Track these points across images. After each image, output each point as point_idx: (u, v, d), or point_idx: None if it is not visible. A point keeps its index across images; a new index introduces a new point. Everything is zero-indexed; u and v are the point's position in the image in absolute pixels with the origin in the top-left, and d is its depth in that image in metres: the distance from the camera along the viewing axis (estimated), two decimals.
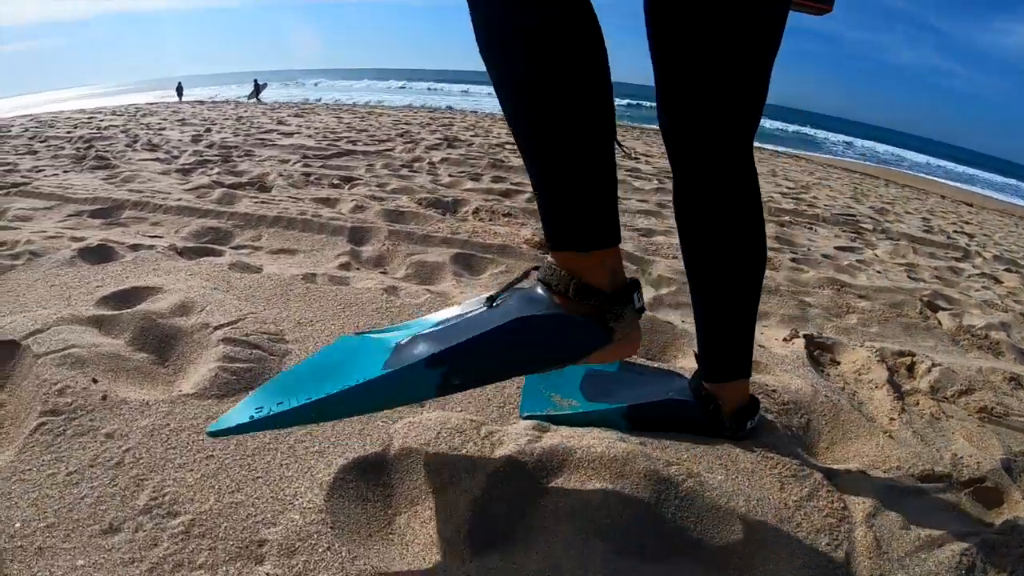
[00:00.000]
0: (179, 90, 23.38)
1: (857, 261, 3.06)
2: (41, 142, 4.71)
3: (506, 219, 2.86)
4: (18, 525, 0.78)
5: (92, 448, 0.92)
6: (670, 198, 3.94)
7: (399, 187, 3.42)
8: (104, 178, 3.21)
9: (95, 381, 1.06)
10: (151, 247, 1.89)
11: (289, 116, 8.69)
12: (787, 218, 4.06)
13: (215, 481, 0.88)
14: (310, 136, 5.82)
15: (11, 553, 0.74)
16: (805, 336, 1.66)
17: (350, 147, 5.07)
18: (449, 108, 16.96)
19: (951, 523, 0.95)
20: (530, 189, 3.66)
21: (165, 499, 0.84)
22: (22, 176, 3.13)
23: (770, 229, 3.43)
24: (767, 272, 2.15)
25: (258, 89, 24.84)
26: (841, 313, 2.12)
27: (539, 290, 0.85)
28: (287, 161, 4.18)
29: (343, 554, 0.79)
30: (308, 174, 3.64)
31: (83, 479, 0.86)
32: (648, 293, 2.07)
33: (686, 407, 1.10)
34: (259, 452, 0.94)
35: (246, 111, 9.71)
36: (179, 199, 2.68)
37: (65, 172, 3.36)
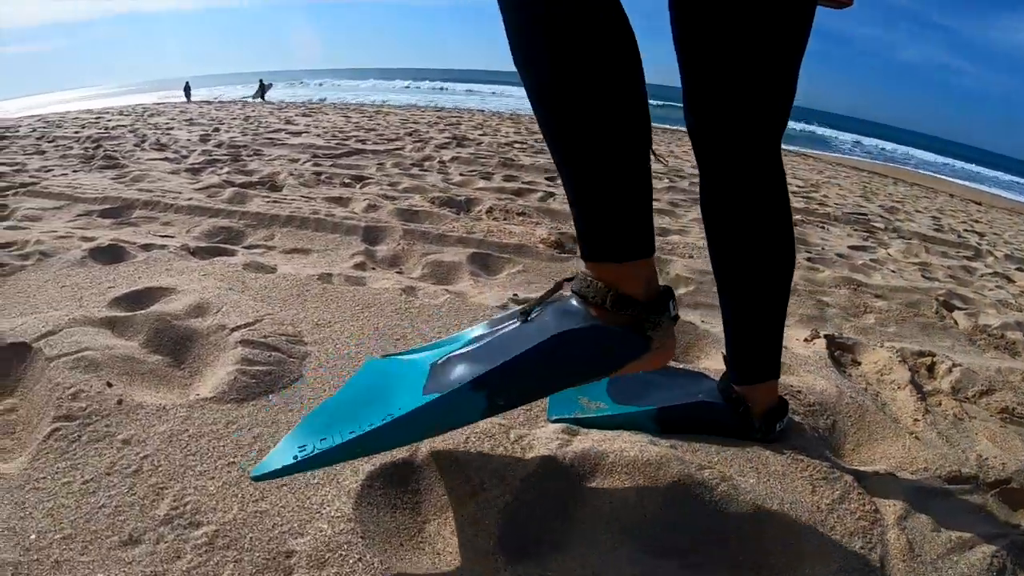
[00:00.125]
0: (187, 90, 23.36)
1: (871, 260, 3.05)
2: (49, 142, 4.70)
3: (520, 218, 2.82)
4: (33, 537, 0.74)
5: (108, 455, 0.88)
6: (682, 197, 3.95)
7: (411, 186, 3.39)
8: (113, 178, 3.18)
9: (110, 385, 1.03)
10: (163, 247, 1.86)
11: (297, 116, 8.68)
12: (799, 217, 4.04)
13: (238, 489, 0.84)
14: (319, 135, 5.80)
15: (27, 567, 0.70)
16: (826, 336, 1.65)
17: (359, 146, 5.05)
18: (456, 108, 16.99)
19: (979, 525, 0.94)
20: (542, 188, 3.63)
21: (186, 508, 0.80)
22: (30, 176, 3.11)
23: None
24: None
25: (263, 89, 24.83)
26: (859, 313, 2.10)
27: (574, 302, 0.84)
28: (297, 160, 4.16)
29: (375, 565, 0.75)
30: (319, 173, 3.62)
31: (100, 487, 0.82)
32: None
33: (716, 409, 1.08)
34: None
35: (253, 111, 9.71)
36: (190, 198, 2.65)
37: (74, 172, 3.34)
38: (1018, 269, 3.59)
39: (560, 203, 3.25)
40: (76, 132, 5.46)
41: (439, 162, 4.45)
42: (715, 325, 1.66)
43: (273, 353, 1.18)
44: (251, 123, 7.04)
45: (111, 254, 1.75)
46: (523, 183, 3.78)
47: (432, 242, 2.25)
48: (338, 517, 0.81)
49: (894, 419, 1.26)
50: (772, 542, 0.85)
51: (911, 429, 1.24)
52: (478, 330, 0.92)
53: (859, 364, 1.57)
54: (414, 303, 1.54)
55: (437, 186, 3.43)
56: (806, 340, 1.65)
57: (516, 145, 5.82)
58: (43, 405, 0.98)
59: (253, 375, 1.10)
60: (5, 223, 2.17)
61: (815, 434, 1.14)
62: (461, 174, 3.99)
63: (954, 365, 1.55)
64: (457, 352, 0.86)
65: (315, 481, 0.87)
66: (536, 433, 0.99)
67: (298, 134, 5.87)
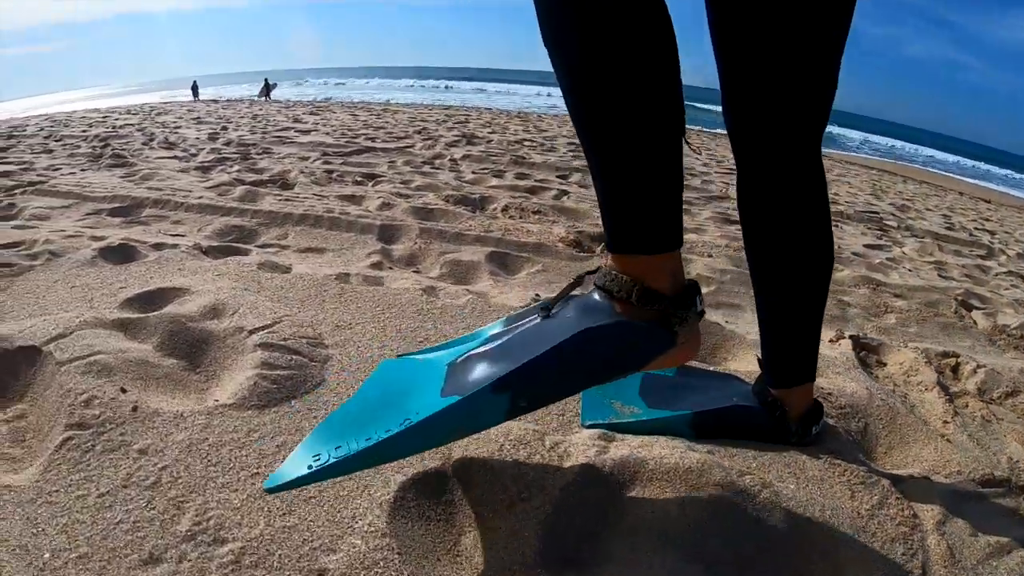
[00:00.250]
0: (194, 89, 23.33)
1: (887, 259, 3.01)
2: (57, 141, 4.66)
3: (537, 216, 2.77)
4: (47, 556, 0.69)
5: (124, 466, 0.83)
6: (695, 195, 3.90)
7: (423, 184, 3.34)
8: (122, 176, 3.14)
9: (123, 390, 0.98)
10: (175, 246, 1.81)
11: (304, 114, 8.65)
12: None
13: (264, 502, 0.79)
14: (328, 133, 5.76)
15: None
16: (851, 337, 1.62)
17: (369, 144, 5.01)
18: (463, 105, 16.96)
19: (1015, 528, 0.93)
20: (555, 186, 3.58)
21: (210, 524, 0.75)
22: (38, 175, 3.07)
23: None
24: None
25: (268, 88, 24.75)
26: (879, 313, 2.06)
27: (597, 297, 0.80)
28: (307, 158, 4.11)
29: None
30: (330, 171, 3.57)
31: (116, 501, 0.77)
32: None
33: (752, 414, 1.05)
34: None
35: (261, 109, 9.69)
36: (200, 197, 2.60)
37: (82, 170, 3.30)
38: None
39: (575, 201, 3.19)
40: (84, 131, 5.43)
41: (450, 160, 4.40)
42: (740, 326, 1.62)
43: (294, 356, 1.13)
44: (259, 121, 7.00)
45: (122, 254, 1.70)
46: (535, 181, 3.73)
47: (449, 241, 2.20)
48: (372, 532, 0.76)
49: (924, 421, 1.24)
50: (813, 550, 0.82)
51: (942, 431, 1.22)
52: (496, 327, 0.88)
53: (884, 365, 1.55)
54: (436, 304, 1.49)
55: (450, 184, 3.39)
56: (831, 341, 1.62)
57: (526, 143, 5.77)
58: (54, 412, 0.93)
59: (274, 380, 1.05)
60: (13, 222, 2.13)
61: (848, 437, 1.11)
62: (473, 172, 3.94)
63: (978, 366, 1.53)
64: (475, 351, 0.81)
65: (344, 493, 0.82)
66: (572, 439, 0.95)
67: (307, 132, 5.83)
